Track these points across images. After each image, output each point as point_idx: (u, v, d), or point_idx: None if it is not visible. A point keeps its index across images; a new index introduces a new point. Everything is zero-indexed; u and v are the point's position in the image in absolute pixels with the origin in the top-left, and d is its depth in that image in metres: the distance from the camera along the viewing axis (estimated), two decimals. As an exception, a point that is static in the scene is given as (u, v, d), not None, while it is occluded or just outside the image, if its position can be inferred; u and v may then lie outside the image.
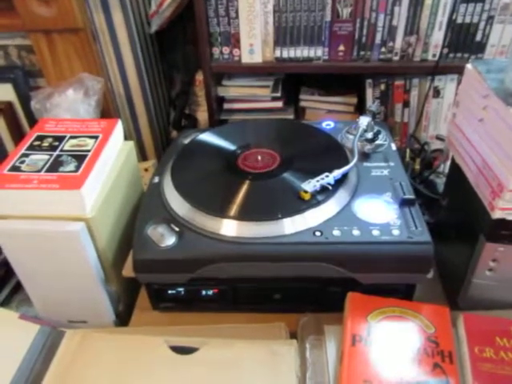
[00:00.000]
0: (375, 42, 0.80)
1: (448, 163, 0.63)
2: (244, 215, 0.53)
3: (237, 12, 0.79)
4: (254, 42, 0.82)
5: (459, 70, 0.78)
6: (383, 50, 0.81)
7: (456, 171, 0.56)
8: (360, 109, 0.90)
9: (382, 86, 0.85)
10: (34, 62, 0.84)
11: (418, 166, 0.77)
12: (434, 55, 0.81)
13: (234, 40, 0.82)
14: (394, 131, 0.88)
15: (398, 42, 0.81)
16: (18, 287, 0.74)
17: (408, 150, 0.78)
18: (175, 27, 0.91)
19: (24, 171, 0.52)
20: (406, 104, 0.87)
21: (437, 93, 0.85)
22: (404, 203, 0.54)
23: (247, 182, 0.57)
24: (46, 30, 0.77)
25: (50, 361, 0.48)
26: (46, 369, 0.47)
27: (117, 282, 0.59)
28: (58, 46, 0.80)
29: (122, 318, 0.61)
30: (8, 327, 0.50)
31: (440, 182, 0.75)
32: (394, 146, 0.64)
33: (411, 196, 0.54)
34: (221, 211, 0.53)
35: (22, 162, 0.54)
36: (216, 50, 0.84)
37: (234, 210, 0.53)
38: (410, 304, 0.51)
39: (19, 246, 0.53)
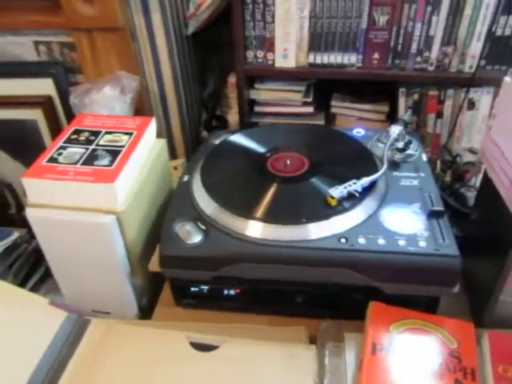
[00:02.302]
0: (411, 50, 0.80)
1: (480, 176, 0.62)
2: (270, 217, 0.53)
3: (273, 17, 0.80)
4: (289, 46, 0.82)
5: (496, 83, 0.77)
6: (418, 59, 0.80)
7: (488, 185, 0.55)
8: (391, 117, 0.89)
9: (416, 96, 0.84)
10: (75, 58, 0.87)
11: (448, 178, 0.75)
12: (471, 66, 0.80)
13: (268, 44, 0.83)
14: (425, 142, 0.87)
15: (434, 52, 0.80)
16: (47, 275, 0.76)
17: (439, 162, 0.77)
18: (211, 29, 0.92)
19: (61, 163, 0.55)
20: (440, 115, 0.85)
21: (472, 105, 0.83)
22: (432, 215, 0.53)
23: (275, 184, 0.57)
24: (88, 28, 0.80)
25: (76, 347, 0.50)
26: (71, 355, 0.49)
27: (142, 276, 0.61)
28: (98, 44, 0.82)
29: (145, 312, 0.63)
30: (38, 312, 0.52)
31: (471, 196, 0.73)
32: (424, 157, 0.63)
33: (440, 208, 0.54)
34: (247, 212, 0.53)
35: (60, 154, 0.56)
36: (250, 54, 0.85)
37: (260, 211, 0.54)
38: (433, 317, 0.51)
39: (52, 235, 0.55)
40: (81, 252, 0.56)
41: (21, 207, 0.95)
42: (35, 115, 0.89)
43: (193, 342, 0.51)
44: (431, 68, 0.81)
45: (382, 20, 0.77)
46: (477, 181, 0.75)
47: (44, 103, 0.87)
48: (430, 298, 0.53)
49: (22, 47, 0.86)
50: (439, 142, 0.88)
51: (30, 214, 0.53)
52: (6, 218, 0.98)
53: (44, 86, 0.87)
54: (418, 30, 0.78)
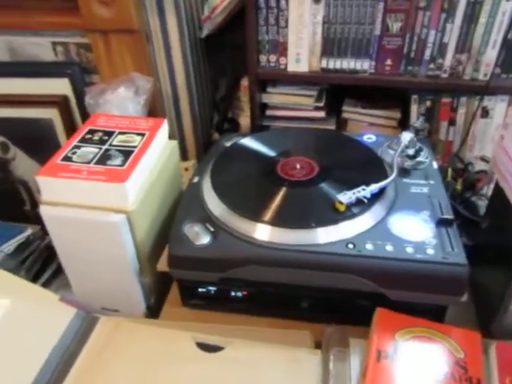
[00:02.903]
0: (424, 57, 0.79)
1: (492, 186, 0.61)
2: (278, 221, 0.53)
3: (286, 21, 0.81)
4: (301, 51, 0.83)
5: (511, 91, 0.76)
6: (432, 66, 0.80)
7: (499, 194, 0.55)
8: (403, 124, 0.89)
9: (428, 103, 0.84)
10: (91, 59, 0.88)
11: (459, 187, 0.75)
12: (485, 74, 0.80)
13: (281, 48, 0.84)
14: (436, 149, 0.87)
15: (448, 59, 0.79)
16: (58, 272, 0.77)
17: (450, 170, 0.77)
18: (225, 33, 0.93)
19: (75, 162, 0.56)
20: (452, 122, 0.85)
21: (485, 113, 0.83)
22: (441, 223, 0.53)
23: (284, 188, 0.58)
24: (104, 30, 0.82)
25: (84, 344, 0.51)
26: (79, 351, 0.50)
27: (150, 275, 0.61)
28: (114, 46, 0.84)
29: (153, 311, 0.63)
30: (48, 308, 0.53)
31: (482, 205, 0.73)
32: (435, 164, 0.63)
33: (449, 216, 0.54)
34: (256, 215, 0.54)
35: (74, 153, 0.57)
36: (263, 58, 0.85)
37: (268, 215, 0.54)
38: (440, 326, 0.50)
39: (64, 232, 0.56)
40: (91, 250, 0.57)
41: (35, 204, 0.96)
42: (51, 114, 0.90)
43: (199, 342, 0.51)
44: (444, 75, 0.81)
45: (395, 27, 0.77)
46: (489, 190, 0.74)
47: (60, 103, 0.89)
48: (438, 307, 0.53)
49: (40, 47, 0.88)
50: (451, 149, 0.87)
51: (44, 211, 0.55)
52: (20, 214, 0.99)
53: (60, 86, 0.88)
54: (432, 36, 0.77)
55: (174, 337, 0.52)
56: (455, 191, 0.74)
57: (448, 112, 0.84)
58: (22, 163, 0.97)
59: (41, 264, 0.80)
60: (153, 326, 0.54)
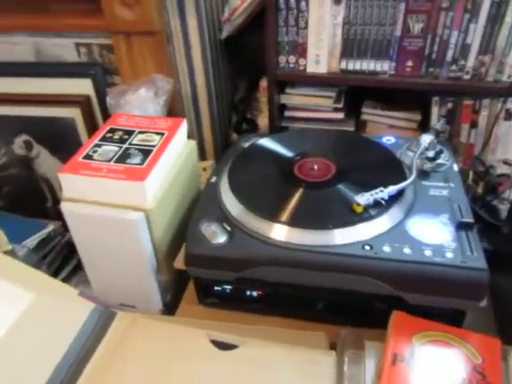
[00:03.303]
0: (446, 59, 0.78)
1: (514, 189, 0.60)
2: (295, 222, 0.53)
3: (306, 22, 0.80)
4: (321, 52, 0.82)
5: (536, 94, 0.74)
6: (453, 67, 0.79)
7: (522, 198, 0.53)
8: (424, 126, 0.88)
9: (450, 105, 0.82)
10: (113, 60, 0.90)
11: (480, 190, 0.73)
12: (510, 76, 0.78)
13: (300, 49, 0.83)
14: (457, 151, 0.85)
15: (471, 61, 0.78)
16: (78, 268, 0.79)
17: (471, 173, 0.75)
18: (244, 34, 0.94)
19: (96, 160, 0.57)
20: (474, 125, 0.83)
21: (509, 115, 0.81)
22: (461, 226, 0.52)
23: (301, 189, 0.58)
24: (126, 31, 0.83)
25: (101, 338, 0.51)
26: (96, 345, 0.51)
27: (167, 273, 0.62)
28: (135, 47, 0.85)
29: (169, 308, 0.64)
30: (68, 302, 0.54)
31: (503, 209, 0.71)
32: (455, 167, 0.62)
33: (469, 219, 0.53)
34: (273, 215, 0.54)
35: (95, 152, 0.58)
36: (282, 59, 0.85)
37: (285, 215, 0.54)
38: (458, 331, 0.50)
39: (84, 228, 0.57)
40: (110, 246, 0.58)
41: (57, 201, 0.99)
42: (74, 114, 0.92)
43: (213, 339, 0.52)
44: (467, 77, 0.79)
45: (416, 28, 0.77)
46: (511, 193, 0.73)
47: (82, 102, 0.91)
48: (456, 311, 0.52)
49: (63, 48, 0.90)
50: (472, 152, 0.86)
51: (65, 207, 0.56)
52: (42, 211, 1.02)
53: (83, 86, 0.90)
54: (455, 38, 0.76)
55: (189, 334, 0.53)
56: (476, 194, 0.73)
57: (470, 114, 0.83)
58: (44, 161, 1.00)
59: (61, 260, 0.82)
60: (168, 323, 0.55)
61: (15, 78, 0.91)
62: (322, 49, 0.82)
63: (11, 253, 0.66)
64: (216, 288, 0.59)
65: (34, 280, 0.53)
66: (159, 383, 0.48)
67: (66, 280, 0.79)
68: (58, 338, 0.50)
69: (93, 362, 0.49)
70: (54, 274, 0.80)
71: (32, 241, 0.80)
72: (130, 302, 0.64)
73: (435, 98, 0.83)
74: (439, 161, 0.61)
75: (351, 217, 0.53)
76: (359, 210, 0.53)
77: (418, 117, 0.88)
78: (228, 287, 0.58)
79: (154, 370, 0.49)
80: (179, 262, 0.59)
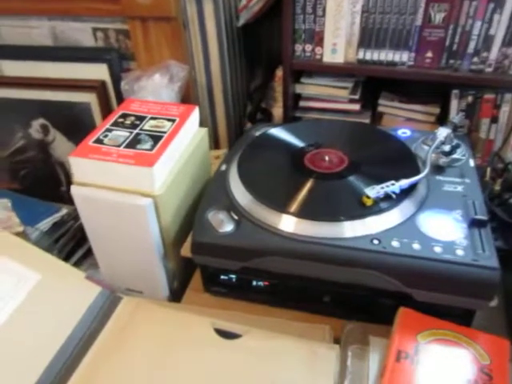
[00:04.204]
0: (467, 50, 0.76)
1: (533, 188, 0.58)
2: (304, 213, 0.53)
3: (324, 10, 0.79)
4: (338, 41, 0.81)
5: (561, 89, 0.71)
6: (475, 59, 0.76)
7: (540, 197, 0.52)
8: (442, 120, 0.86)
9: (470, 99, 0.80)
10: (129, 46, 0.90)
11: (498, 187, 0.71)
12: (534, 70, 0.75)
13: (317, 38, 0.82)
14: (476, 147, 0.83)
15: (494, 53, 0.75)
16: (90, 252, 0.80)
17: (489, 169, 0.73)
18: (261, 22, 0.92)
19: (106, 144, 0.57)
20: (494, 120, 0.81)
21: (531, 111, 0.78)
22: (474, 223, 0.51)
23: (311, 180, 0.57)
24: (143, 17, 0.83)
25: (106, 321, 0.52)
26: (101, 328, 0.51)
27: (174, 260, 0.62)
28: (151, 33, 0.85)
29: (176, 295, 0.64)
30: (74, 284, 0.54)
31: (521, 207, 0.69)
32: (472, 162, 0.60)
33: (483, 217, 0.51)
34: (281, 206, 0.53)
35: (106, 136, 0.58)
36: (298, 47, 0.84)
37: (294, 206, 0.53)
38: (466, 330, 0.48)
39: (93, 212, 0.58)
40: (118, 231, 0.58)
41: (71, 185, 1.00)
42: (89, 98, 0.93)
43: (217, 328, 0.52)
44: (489, 70, 0.77)
45: (438, 17, 0.74)
46: (530, 192, 0.70)
47: (98, 87, 0.91)
48: (465, 310, 0.51)
49: (81, 33, 0.91)
50: (492, 148, 0.83)
51: (74, 190, 0.56)
52: (57, 194, 1.03)
53: (99, 71, 0.91)
54: (477, 28, 0.73)
55: (193, 321, 0.53)
56: (493, 192, 0.71)
57: (490, 109, 0.80)
58: (60, 145, 1.01)
59: (73, 244, 0.83)
60: (173, 310, 0.55)
61: (33, 62, 0.92)
62: (339, 37, 0.80)
63: (23, 234, 0.67)
64: (222, 277, 0.59)
65: (42, 261, 0.54)
66: (161, 368, 0.48)
67: (77, 264, 0.80)
68: (64, 319, 0.50)
69: (97, 345, 0.50)
70: (66, 257, 0.80)
71: (45, 224, 0.81)
72: (138, 287, 0.65)
73: (455, 91, 0.80)
74: (455, 155, 0.60)
75: (360, 210, 0.52)
76: (369, 203, 0.51)
77: (436, 110, 0.86)
78: (234, 277, 0.58)
79: (156, 355, 0.49)
80: (186, 250, 0.59)
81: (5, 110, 0.98)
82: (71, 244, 0.83)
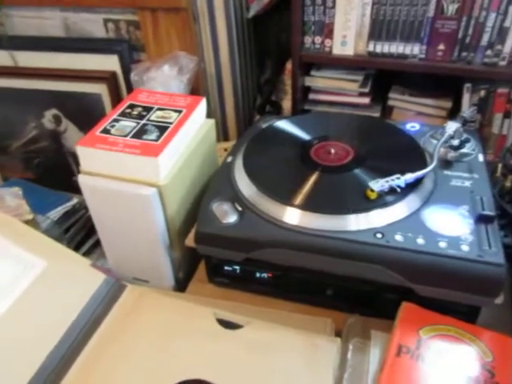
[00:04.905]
0: (481, 43, 0.74)
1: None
2: (307, 205, 0.52)
3: (334, 2, 0.78)
4: (348, 33, 0.80)
5: None
6: (489, 52, 0.74)
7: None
8: (454, 114, 0.84)
9: (482, 93, 0.78)
10: (139, 37, 0.90)
11: (509, 184, 0.70)
12: (550, 64, 0.73)
13: (327, 30, 0.81)
14: (488, 142, 0.81)
15: (508, 46, 0.73)
16: (100, 242, 0.81)
17: (500, 165, 0.72)
18: (272, 14, 0.92)
19: (113, 134, 0.57)
20: (507, 115, 0.79)
21: (546, 106, 0.76)
22: (481, 219, 0.50)
23: (316, 173, 0.57)
24: (153, 7, 0.83)
25: (110, 309, 0.53)
26: (105, 315, 0.52)
27: (180, 250, 0.63)
28: (161, 24, 0.85)
29: (181, 285, 0.65)
30: (79, 272, 0.55)
31: (532, 204, 0.68)
32: (481, 157, 0.59)
33: (490, 213, 0.50)
34: (285, 198, 0.53)
35: (113, 126, 0.59)
36: (308, 39, 0.83)
37: (298, 198, 0.53)
38: (469, 326, 0.48)
39: (100, 202, 0.58)
40: (124, 221, 0.59)
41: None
42: (100, 89, 0.94)
43: (219, 318, 0.52)
44: (503, 63, 0.75)
45: (451, 8, 0.72)
46: (542, 189, 0.68)
47: (109, 79, 0.92)
48: (470, 307, 0.50)
49: (93, 24, 0.91)
50: (504, 144, 0.82)
51: (81, 179, 0.57)
52: (69, 184, 1.05)
53: (110, 62, 0.91)
54: (492, 20, 0.72)
55: (196, 311, 0.53)
56: (504, 188, 0.70)
57: (504, 104, 0.78)
58: (72, 135, 1.02)
59: (84, 234, 0.85)
60: (176, 299, 0.56)
61: (45, 53, 0.93)
62: (349, 29, 0.79)
63: (33, 222, 0.69)
64: (226, 268, 0.59)
65: (48, 249, 0.55)
66: (162, 356, 0.49)
67: (87, 253, 0.82)
68: (69, 305, 0.51)
69: (101, 330, 0.51)
70: (76, 247, 0.82)
71: (56, 213, 0.83)
72: (143, 276, 0.65)
73: (467, 85, 0.79)
74: (464, 150, 0.59)
75: (364, 203, 0.51)
76: (373, 196, 0.51)
77: (448, 104, 0.84)
78: (237, 268, 0.58)
79: (158, 342, 0.50)
80: (190, 240, 0.59)
81: (18, 100, 1.00)
82: (81, 234, 0.85)
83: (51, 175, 1.10)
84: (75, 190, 0.91)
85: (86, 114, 0.97)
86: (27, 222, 0.65)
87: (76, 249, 0.80)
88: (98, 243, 0.83)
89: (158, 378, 0.47)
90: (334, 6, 0.78)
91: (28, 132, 1.06)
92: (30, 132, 1.06)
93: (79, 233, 0.85)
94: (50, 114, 1.01)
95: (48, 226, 0.78)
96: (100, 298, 0.53)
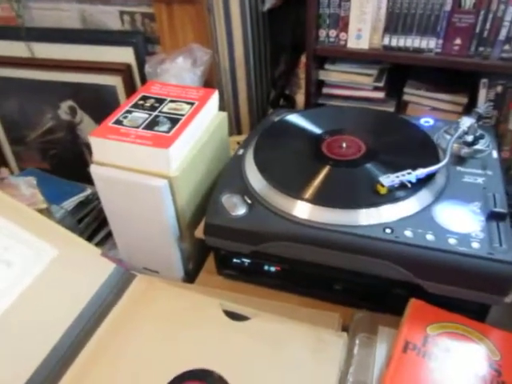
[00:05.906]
0: (499, 37, 0.72)
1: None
2: (317, 199, 0.52)
3: (350, -6, 0.77)
4: (363, 26, 0.79)
5: None
6: (507, 47, 0.73)
7: None
8: (470, 110, 0.82)
9: (499, 88, 0.77)
10: (154, 29, 0.91)
11: (524, 182, 0.68)
12: None
13: (342, 23, 0.80)
14: (504, 139, 0.80)
15: (527, 41, 0.72)
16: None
17: (516, 162, 0.71)
18: (287, 7, 0.91)
19: (125, 125, 0.58)
20: (525, 111, 0.77)
21: None
22: (493, 216, 0.49)
23: (327, 167, 0.56)
24: (168, 0, 0.83)
25: (119, 297, 0.54)
26: (114, 303, 0.53)
27: (189, 242, 0.63)
28: (176, 17, 0.85)
29: (190, 276, 0.66)
30: (90, 260, 0.56)
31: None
32: (495, 154, 0.58)
33: (503, 210, 0.49)
34: (294, 191, 0.53)
35: (125, 117, 0.59)
36: (322, 33, 0.82)
37: (308, 192, 0.53)
38: (477, 325, 0.47)
39: (111, 192, 0.59)
40: (135, 212, 0.59)
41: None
42: (115, 81, 0.95)
43: (226, 310, 0.53)
44: (521, 58, 0.73)
45: (468, 2, 0.71)
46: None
47: (124, 71, 0.93)
48: (479, 305, 0.49)
49: (108, 16, 0.92)
50: (521, 141, 0.80)
51: (93, 169, 0.58)
52: (84, 175, 1.06)
53: (125, 54, 0.92)
54: (510, 14, 0.70)
55: (203, 302, 0.54)
56: (519, 186, 0.68)
57: (521, 100, 0.77)
58: (87, 127, 1.04)
59: (97, 224, 0.86)
60: (185, 290, 0.56)
61: (61, 45, 0.94)
62: (364, 23, 0.78)
63: (46, 212, 0.70)
64: (235, 260, 0.59)
65: (60, 237, 0.56)
66: (168, 345, 0.49)
67: (100, 244, 0.83)
68: (78, 293, 0.52)
69: (109, 318, 0.52)
70: (89, 237, 0.83)
71: (70, 203, 0.84)
72: (154, 267, 0.66)
73: (484, 80, 0.77)
74: (478, 146, 0.58)
75: (374, 198, 0.51)
76: (383, 191, 0.51)
77: (464, 100, 0.83)
78: (246, 260, 0.59)
79: (165, 332, 0.51)
80: (200, 232, 0.59)
81: (35, 91, 1.02)
82: (95, 224, 0.86)
83: (66, 166, 1.12)
84: (90, 180, 0.93)
85: (100, 106, 0.98)
86: (41, 212, 0.66)
87: (89, 239, 0.82)
88: (110, 234, 0.84)
89: (164, 366, 0.47)
90: (349, -1, 0.77)
91: (44, 123, 1.08)
92: (47, 123, 1.08)
93: (92, 223, 0.86)
94: (65, 105, 1.03)
95: (62, 216, 0.79)
96: (110, 286, 0.54)
